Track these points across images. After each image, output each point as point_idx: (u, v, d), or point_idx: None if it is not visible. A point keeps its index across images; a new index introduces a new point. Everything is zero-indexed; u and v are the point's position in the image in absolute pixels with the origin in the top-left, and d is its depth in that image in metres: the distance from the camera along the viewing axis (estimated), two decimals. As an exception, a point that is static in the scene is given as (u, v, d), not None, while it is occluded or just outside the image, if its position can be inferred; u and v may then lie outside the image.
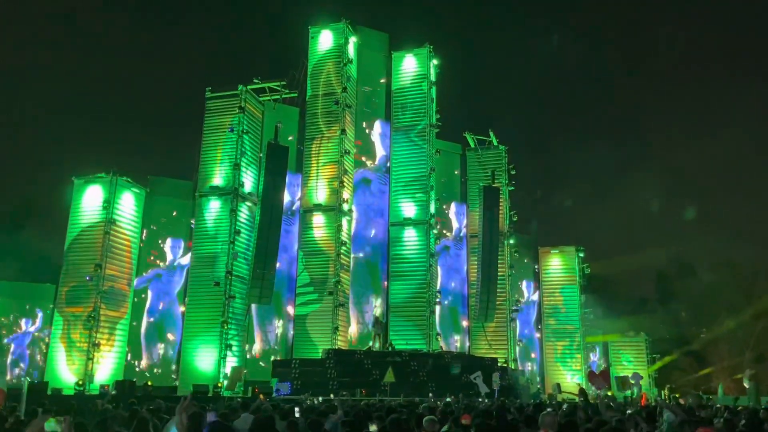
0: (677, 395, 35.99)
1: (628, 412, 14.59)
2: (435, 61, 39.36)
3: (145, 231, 33.57)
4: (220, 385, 27.91)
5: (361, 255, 36.56)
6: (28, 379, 20.55)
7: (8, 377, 30.12)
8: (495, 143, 41.24)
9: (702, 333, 51.16)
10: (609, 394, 29.63)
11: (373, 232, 37.24)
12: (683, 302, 54.87)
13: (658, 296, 57.34)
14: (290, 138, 35.69)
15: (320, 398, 20.36)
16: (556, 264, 42.14)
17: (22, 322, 32.33)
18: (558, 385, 34.06)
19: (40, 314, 32.40)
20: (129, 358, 31.88)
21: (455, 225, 40.16)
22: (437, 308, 36.40)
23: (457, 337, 38.01)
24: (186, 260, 33.57)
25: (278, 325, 34.47)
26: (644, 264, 55.89)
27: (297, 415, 10.38)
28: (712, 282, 53.71)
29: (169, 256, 34.04)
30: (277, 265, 32.07)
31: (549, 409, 10.90)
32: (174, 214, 34.47)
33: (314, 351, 32.12)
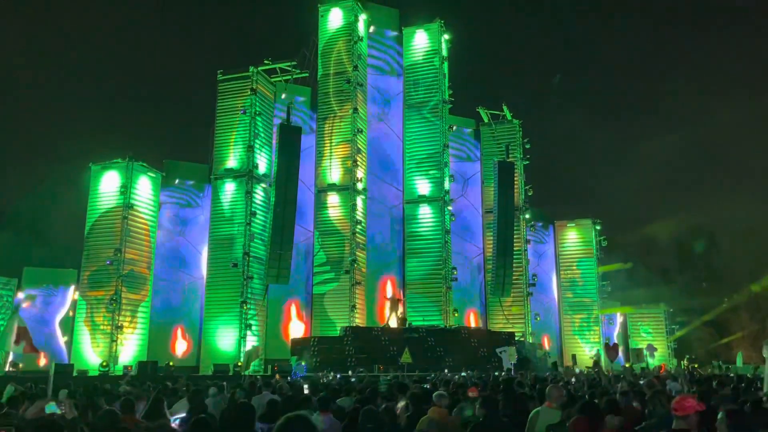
0: (696, 365, 35.97)
1: (641, 382, 14.68)
2: (446, 36, 38.96)
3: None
4: (240, 363, 28.47)
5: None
6: (54, 363, 21.12)
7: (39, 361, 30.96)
8: (509, 117, 40.92)
9: (723, 302, 50.78)
10: (627, 366, 29.71)
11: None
12: (704, 271, 54.49)
13: (678, 266, 56.96)
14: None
15: (338, 375, 20.71)
16: (573, 237, 41.97)
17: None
18: (574, 356, 34.23)
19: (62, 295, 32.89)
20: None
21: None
22: None
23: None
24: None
25: None
26: (663, 234, 55.46)
27: (306, 391, 10.52)
28: (733, 250, 53.22)
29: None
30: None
31: (558, 384, 11.04)
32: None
33: (332, 329, 32.54)
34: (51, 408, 7.38)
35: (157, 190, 33.85)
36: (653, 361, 32.38)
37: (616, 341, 37.06)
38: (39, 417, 7.26)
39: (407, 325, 32.17)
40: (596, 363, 23.01)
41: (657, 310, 42.46)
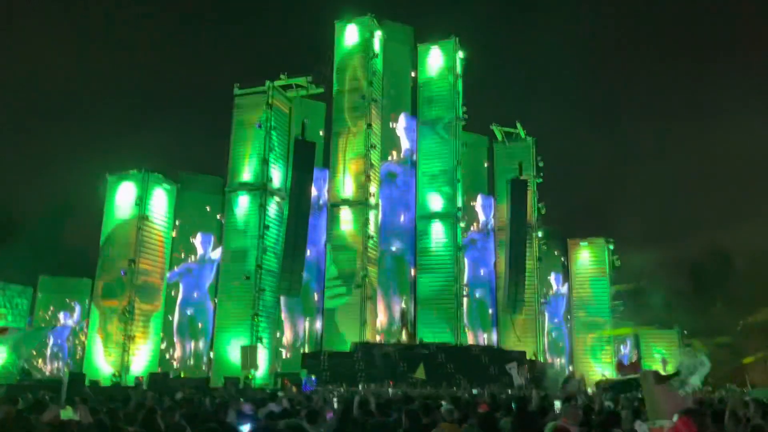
0: (710, 388, 35.35)
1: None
2: (461, 54, 39.15)
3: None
4: (250, 377, 28.51)
5: (393, 249, 36.75)
6: (68, 371, 21.30)
7: (48, 368, 31.21)
8: (522, 135, 40.92)
9: (738, 325, 50.00)
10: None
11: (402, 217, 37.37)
12: (719, 293, 53.69)
13: (693, 287, 56.18)
14: (321, 132, 36.45)
15: (339, 389, 20.64)
16: (586, 256, 41.65)
17: (61, 315, 33.43)
18: (582, 378, 33.85)
19: (78, 308, 33.44)
20: (164, 347, 32.71)
21: (482, 218, 40.07)
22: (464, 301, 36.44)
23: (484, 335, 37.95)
24: (216, 255, 34.26)
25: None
26: (678, 254, 54.82)
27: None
28: (749, 271, 52.42)
29: (200, 251, 34.78)
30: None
31: (573, 402, 10.95)
32: (208, 209, 35.03)
33: (343, 344, 32.50)
34: (67, 414, 7.46)
35: (172, 201, 34.19)
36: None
37: (634, 360, 36.63)
38: (54, 422, 7.33)
39: (418, 342, 32.08)
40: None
41: (670, 332, 41.97)
